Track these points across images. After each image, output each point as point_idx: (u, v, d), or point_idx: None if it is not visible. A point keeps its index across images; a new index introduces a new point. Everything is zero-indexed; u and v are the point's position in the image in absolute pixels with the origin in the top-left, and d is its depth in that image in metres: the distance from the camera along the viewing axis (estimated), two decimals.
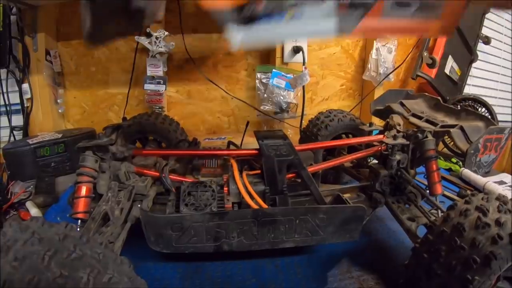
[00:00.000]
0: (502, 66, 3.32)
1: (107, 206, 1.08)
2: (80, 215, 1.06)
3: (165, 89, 2.25)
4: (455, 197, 1.73)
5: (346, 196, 1.42)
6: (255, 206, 1.18)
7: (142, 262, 1.25)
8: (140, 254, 1.22)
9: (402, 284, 1.06)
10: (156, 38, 2.16)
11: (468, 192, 1.83)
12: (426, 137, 1.35)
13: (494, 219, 0.91)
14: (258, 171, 1.32)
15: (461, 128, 1.38)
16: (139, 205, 1.18)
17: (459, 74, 2.87)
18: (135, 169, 1.28)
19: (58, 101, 2.32)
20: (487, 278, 0.85)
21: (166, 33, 2.16)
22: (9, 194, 1.67)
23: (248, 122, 1.56)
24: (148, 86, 2.24)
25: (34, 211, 1.59)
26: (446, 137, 1.60)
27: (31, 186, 1.77)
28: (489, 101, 2.60)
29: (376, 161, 1.50)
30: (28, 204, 1.63)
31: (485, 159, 1.39)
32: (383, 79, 2.36)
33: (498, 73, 3.34)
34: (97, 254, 0.67)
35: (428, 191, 1.37)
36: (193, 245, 1.08)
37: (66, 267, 0.61)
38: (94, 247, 0.69)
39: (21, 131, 2.21)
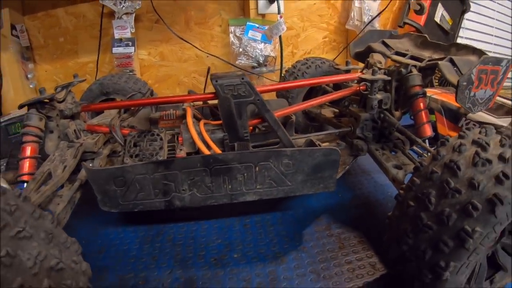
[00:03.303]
0: (496, 19, 2.98)
1: (51, 166, 0.96)
2: (25, 177, 0.95)
3: (135, 51, 2.06)
4: None
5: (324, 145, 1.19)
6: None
7: (102, 227, 1.16)
8: (102, 219, 1.18)
9: (386, 241, 0.84)
10: None
11: None
12: (411, 72, 1.10)
13: (497, 154, 0.68)
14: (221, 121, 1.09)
15: (451, 61, 1.13)
16: (90, 164, 1.04)
17: (450, 23, 2.57)
18: (86, 127, 1.14)
19: (29, 76, 2.13)
20: (491, 230, 0.62)
21: None
22: None
23: (209, 68, 1.31)
24: (117, 50, 2.05)
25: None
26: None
27: (3, 164, 1.62)
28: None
29: None
30: None
31: (480, 95, 1.14)
32: (367, 24, 2.07)
33: (492, 27, 3.00)
34: (9, 207, 0.60)
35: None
36: (141, 201, 0.92)
37: None
38: (9, 200, 0.61)
39: None
